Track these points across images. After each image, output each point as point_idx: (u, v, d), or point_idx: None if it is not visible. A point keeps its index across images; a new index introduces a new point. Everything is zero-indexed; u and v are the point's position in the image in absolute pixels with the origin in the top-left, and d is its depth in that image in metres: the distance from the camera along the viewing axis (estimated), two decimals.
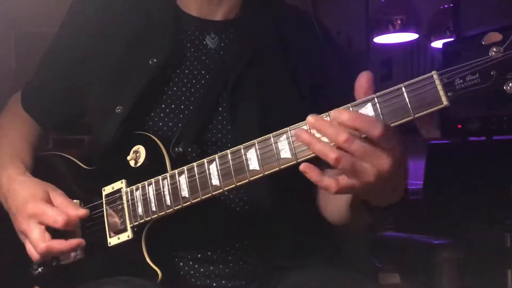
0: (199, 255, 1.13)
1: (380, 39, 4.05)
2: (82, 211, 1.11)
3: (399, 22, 3.89)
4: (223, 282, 1.13)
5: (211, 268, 1.13)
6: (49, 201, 1.12)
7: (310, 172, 0.86)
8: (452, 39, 3.68)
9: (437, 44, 3.93)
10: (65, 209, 1.10)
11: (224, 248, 1.13)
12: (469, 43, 3.09)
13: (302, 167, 0.86)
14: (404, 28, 3.90)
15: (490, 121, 2.88)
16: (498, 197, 2.66)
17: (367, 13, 4.58)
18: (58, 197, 1.13)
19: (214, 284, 1.13)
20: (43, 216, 1.09)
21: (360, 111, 0.87)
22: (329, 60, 1.27)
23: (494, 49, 0.80)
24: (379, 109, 0.86)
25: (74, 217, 1.10)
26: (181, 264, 1.13)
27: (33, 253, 1.11)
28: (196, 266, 1.13)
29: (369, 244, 1.69)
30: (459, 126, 3.04)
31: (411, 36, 3.99)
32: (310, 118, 0.87)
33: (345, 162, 0.83)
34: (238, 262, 1.14)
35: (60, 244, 1.09)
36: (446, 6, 3.93)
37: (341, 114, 0.85)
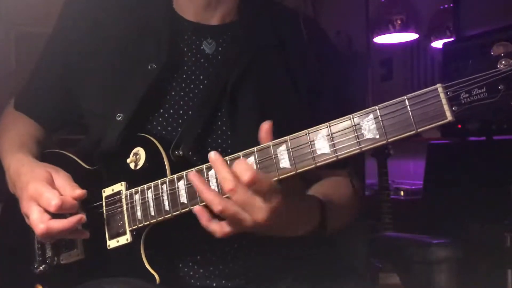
0: (199, 257, 1.13)
1: (380, 39, 4.05)
2: (78, 192, 1.09)
3: (399, 22, 3.89)
4: (223, 282, 1.13)
5: (211, 268, 1.13)
6: (50, 183, 1.10)
7: (202, 216, 0.96)
8: (452, 39, 3.68)
9: (437, 44, 3.93)
10: (63, 192, 1.09)
11: (224, 248, 1.13)
12: (469, 43, 3.09)
13: (195, 209, 0.96)
14: (404, 28, 3.90)
15: (490, 121, 2.88)
16: (498, 197, 2.65)
17: (367, 13, 4.57)
18: (60, 179, 1.12)
19: (214, 284, 1.13)
20: (40, 198, 1.08)
21: (362, 122, 0.86)
22: (327, 62, 1.27)
23: (503, 62, 0.76)
24: (381, 122, 0.84)
25: (69, 199, 1.07)
26: (180, 265, 1.13)
27: (38, 235, 1.09)
28: (196, 267, 1.13)
29: (369, 244, 1.69)
30: (459, 126, 3.04)
31: (411, 36, 3.99)
32: (212, 155, 0.93)
33: (228, 213, 0.92)
34: (238, 262, 1.14)
35: (59, 223, 1.06)
36: (446, 6, 3.93)
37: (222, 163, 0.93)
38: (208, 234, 1.12)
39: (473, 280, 2.26)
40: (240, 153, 0.95)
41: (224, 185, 0.90)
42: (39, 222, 1.06)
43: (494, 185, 2.72)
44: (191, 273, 1.13)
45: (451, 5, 3.81)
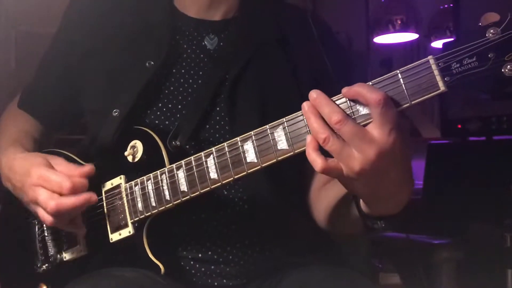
0: (200, 255, 1.13)
1: (380, 39, 4.06)
2: (87, 167, 1.07)
3: (399, 22, 3.90)
4: (224, 281, 1.13)
5: (212, 267, 1.13)
6: (51, 167, 1.09)
7: (310, 143, 0.86)
8: (452, 39, 3.68)
9: (437, 44, 3.94)
10: (69, 172, 1.07)
11: (225, 248, 1.13)
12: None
13: (308, 137, 0.86)
14: (404, 28, 3.91)
15: (490, 121, 2.88)
16: (498, 197, 2.65)
17: (367, 13, 4.58)
18: (60, 162, 1.10)
19: (216, 283, 1.13)
20: (47, 183, 1.05)
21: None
22: (329, 58, 1.27)
23: (492, 31, 0.78)
24: None
25: (78, 179, 1.06)
26: (182, 263, 1.13)
27: (46, 218, 1.06)
28: (197, 265, 1.13)
29: (369, 244, 1.69)
30: (459, 126, 3.04)
31: (411, 36, 4.00)
32: (313, 93, 0.87)
33: (333, 143, 0.83)
34: (239, 261, 1.14)
35: (70, 200, 1.04)
36: (446, 6, 3.94)
37: (345, 88, 0.85)
38: (209, 233, 1.13)
39: (473, 280, 2.26)
40: (238, 138, 0.96)
41: (332, 117, 0.83)
42: (49, 199, 1.04)
43: (494, 185, 2.71)
44: (193, 271, 1.13)
45: (451, 5, 3.81)
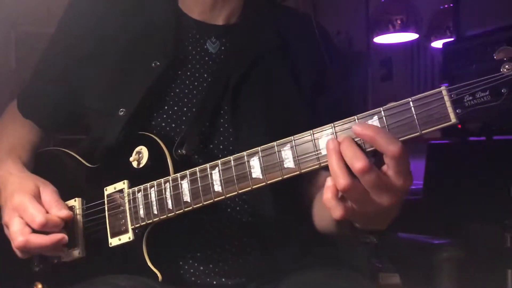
0: (199, 254, 1.13)
1: (380, 39, 4.06)
2: (64, 213, 1.08)
3: (399, 22, 3.90)
4: (223, 280, 1.14)
5: (211, 266, 1.13)
6: (36, 197, 1.10)
7: (328, 188, 0.85)
8: (452, 39, 3.68)
9: (437, 44, 3.94)
10: (49, 209, 1.08)
11: (224, 246, 1.13)
12: (469, 43, 3.09)
13: (328, 180, 0.85)
14: (404, 28, 3.91)
15: (491, 122, 2.88)
16: (498, 197, 2.65)
17: (367, 13, 4.58)
18: (47, 194, 1.11)
19: (214, 282, 1.13)
20: (23, 212, 1.07)
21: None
22: (329, 63, 1.27)
23: (507, 66, 0.78)
24: (385, 123, 0.84)
25: (54, 218, 1.07)
26: (181, 262, 1.13)
27: (15, 248, 1.09)
28: (196, 264, 1.13)
29: (369, 244, 1.69)
30: (459, 126, 3.04)
31: (411, 36, 4.00)
32: (330, 142, 0.85)
33: (353, 193, 0.83)
34: (238, 260, 1.14)
35: (39, 239, 1.06)
36: (446, 6, 3.94)
37: (362, 127, 0.83)
38: (210, 233, 1.13)
39: (473, 280, 2.26)
40: (244, 153, 0.95)
41: (354, 163, 0.82)
42: (19, 234, 1.06)
43: (494, 185, 2.72)
44: (192, 270, 1.13)
45: (451, 5, 3.81)
